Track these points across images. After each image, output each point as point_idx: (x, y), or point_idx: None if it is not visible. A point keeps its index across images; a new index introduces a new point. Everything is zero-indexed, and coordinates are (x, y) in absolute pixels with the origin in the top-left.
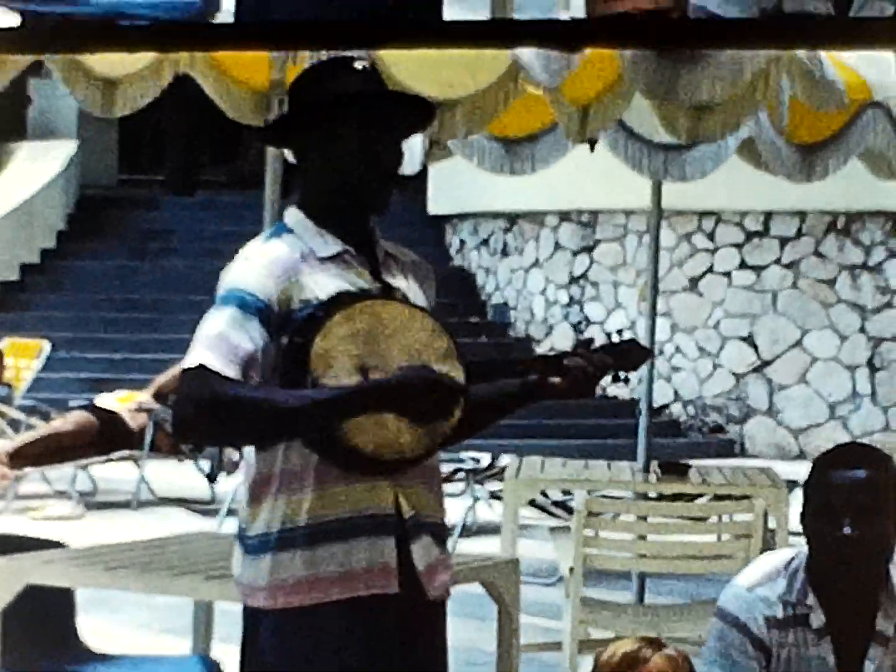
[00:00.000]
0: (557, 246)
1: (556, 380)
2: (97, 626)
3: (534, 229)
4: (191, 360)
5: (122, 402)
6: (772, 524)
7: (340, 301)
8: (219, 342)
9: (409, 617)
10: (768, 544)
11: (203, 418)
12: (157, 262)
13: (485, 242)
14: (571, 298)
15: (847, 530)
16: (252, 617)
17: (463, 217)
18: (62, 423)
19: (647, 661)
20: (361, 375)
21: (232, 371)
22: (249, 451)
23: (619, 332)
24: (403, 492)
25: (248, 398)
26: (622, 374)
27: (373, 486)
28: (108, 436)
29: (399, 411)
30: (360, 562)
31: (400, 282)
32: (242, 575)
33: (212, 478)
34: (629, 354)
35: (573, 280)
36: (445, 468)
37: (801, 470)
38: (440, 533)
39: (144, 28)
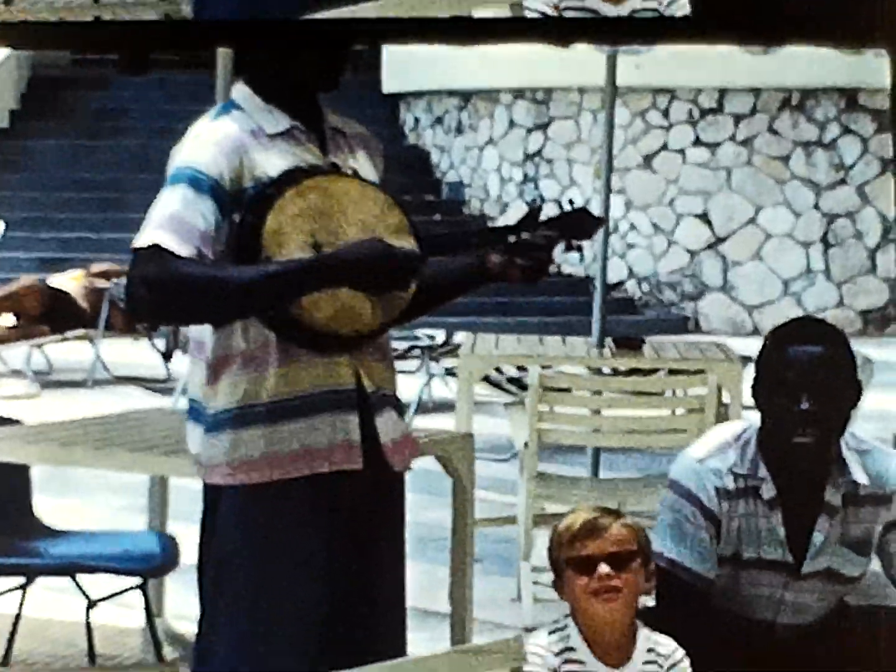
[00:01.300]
0: (512, 124)
1: (511, 263)
2: (52, 504)
3: (488, 107)
4: (143, 239)
5: (75, 282)
6: (725, 398)
7: (291, 178)
8: (171, 221)
9: (370, 492)
10: (722, 418)
11: (156, 297)
12: (109, 142)
13: (439, 121)
14: (526, 176)
15: (804, 406)
16: (212, 494)
17: (417, 95)
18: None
19: (606, 529)
20: (314, 252)
21: (185, 250)
22: (201, 330)
23: (571, 201)
24: (363, 367)
25: (202, 276)
26: (574, 244)
27: (333, 362)
28: (61, 315)
29: (353, 284)
30: (323, 438)
31: (349, 157)
32: (202, 452)
33: (167, 356)
34: (581, 223)
35: (528, 158)
36: (401, 346)
37: (755, 346)
38: (400, 407)
39: (139, 26)
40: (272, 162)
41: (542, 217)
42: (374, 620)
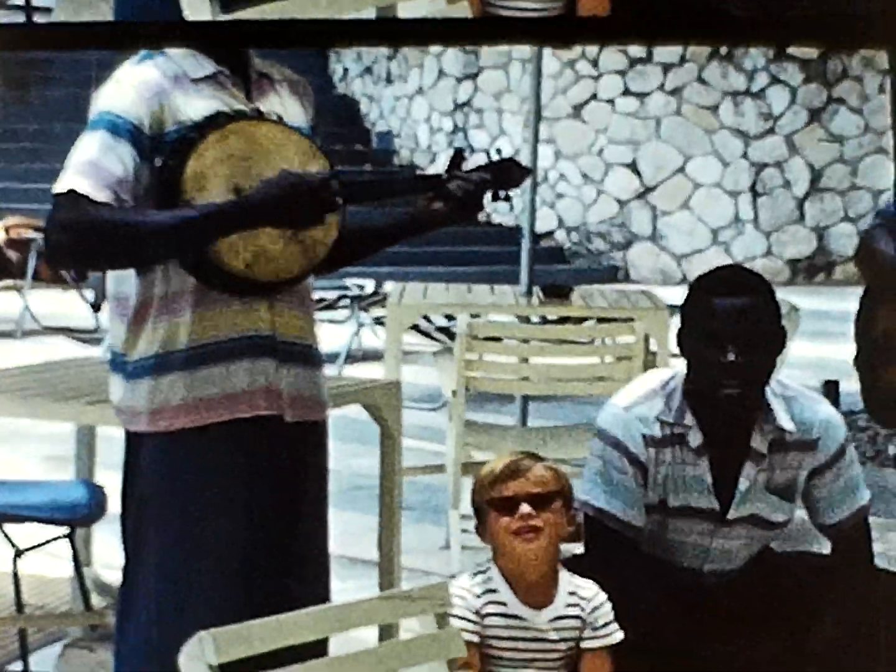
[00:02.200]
0: (441, 73)
1: (439, 205)
2: None
3: (417, 56)
4: (61, 185)
5: (0, 232)
6: (653, 347)
7: (214, 122)
8: (89, 167)
9: (292, 438)
10: (650, 367)
11: (73, 243)
12: (37, 92)
13: (368, 70)
14: (456, 126)
15: (731, 356)
16: (133, 442)
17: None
18: None
19: (528, 470)
20: (236, 196)
21: (103, 195)
22: (119, 282)
23: (498, 150)
24: (281, 314)
25: (117, 220)
26: (502, 193)
27: (251, 308)
28: None
29: (272, 221)
30: (243, 383)
31: (276, 102)
32: (123, 400)
33: (96, 307)
34: (508, 172)
35: (457, 107)
36: (330, 295)
37: (684, 295)
38: (312, 357)
39: (134, 25)
40: (195, 106)
41: (470, 166)
42: (297, 566)
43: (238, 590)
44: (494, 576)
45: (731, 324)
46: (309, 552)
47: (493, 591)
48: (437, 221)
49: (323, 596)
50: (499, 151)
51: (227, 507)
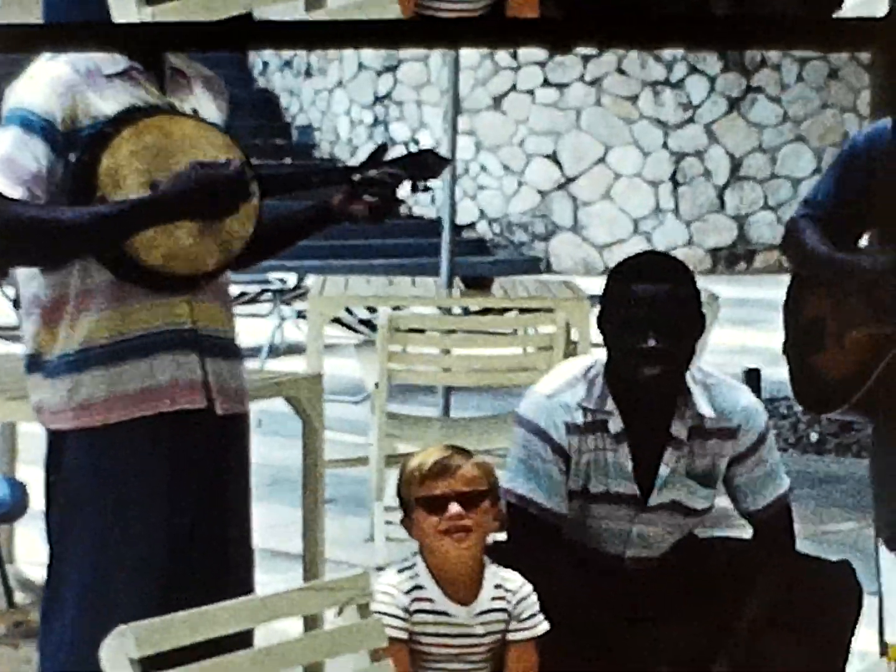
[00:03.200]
0: (361, 66)
1: (355, 201)
2: None
3: (337, 50)
4: None
5: None
6: (574, 337)
7: (128, 117)
8: (2, 163)
9: (214, 431)
10: (571, 356)
11: None
12: None
13: (288, 64)
14: (376, 118)
15: (651, 342)
16: (56, 438)
17: None
18: None
19: (457, 469)
20: (151, 192)
21: (17, 192)
22: (31, 282)
23: (416, 142)
24: (200, 308)
25: (34, 217)
26: (421, 184)
27: (169, 302)
28: None
29: (184, 214)
30: (164, 377)
31: (190, 97)
32: (43, 399)
33: (17, 303)
34: (426, 163)
35: (377, 100)
36: (252, 289)
37: (604, 282)
38: (234, 350)
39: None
40: (109, 102)
41: (389, 157)
42: (220, 560)
43: (163, 584)
44: (421, 572)
45: (650, 310)
46: (233, 545)
47: (420, 587)
48: (354, 215)
49: (247, 588)
50: (416, 142)
51: (151, 501)
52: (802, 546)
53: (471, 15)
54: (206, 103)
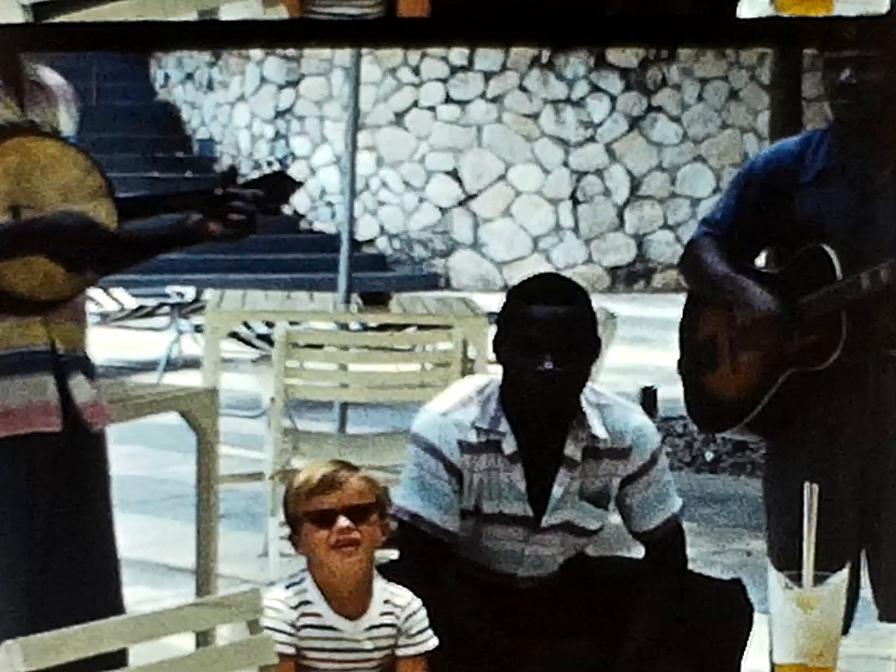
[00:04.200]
0: (263, 80)
1: (214, 221)
2: None
3: (239, 63)
4: None
5: None
6: (471, 354)
7: None
8: None
9: (71, 453)
10: (468, 373)
11: None
12: None
13: (190, 77)
14: (277, 133)
15: (548, 364)
16: None
17: (167, 51)
18: None
19: (345, 482)
20: (12, 215)
21: None
22: None
23: (269, 163)
24: (57, 328)
25: None
26: (272, 206)
27: (25, 323)
28: None
29: (49, 255)
30: (19, 399)
31: (47, 111)
32: None
33: None
34: (280, 185)
35: (279, 114)
36: (150, 303)
37: (502, 302)
38: (91, 368)
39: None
40: None
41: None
42: (86, 577)
43: (26, 606)
44: (309, 587)
45: (548, 331)
46: (97, 564)
47: (308, 602)
48: (212, 236)
49: (115, 605)
50: (270, 164)
51: (11, 523)
52: (697, 565)
53: (362, 17)
54: (61, 115)
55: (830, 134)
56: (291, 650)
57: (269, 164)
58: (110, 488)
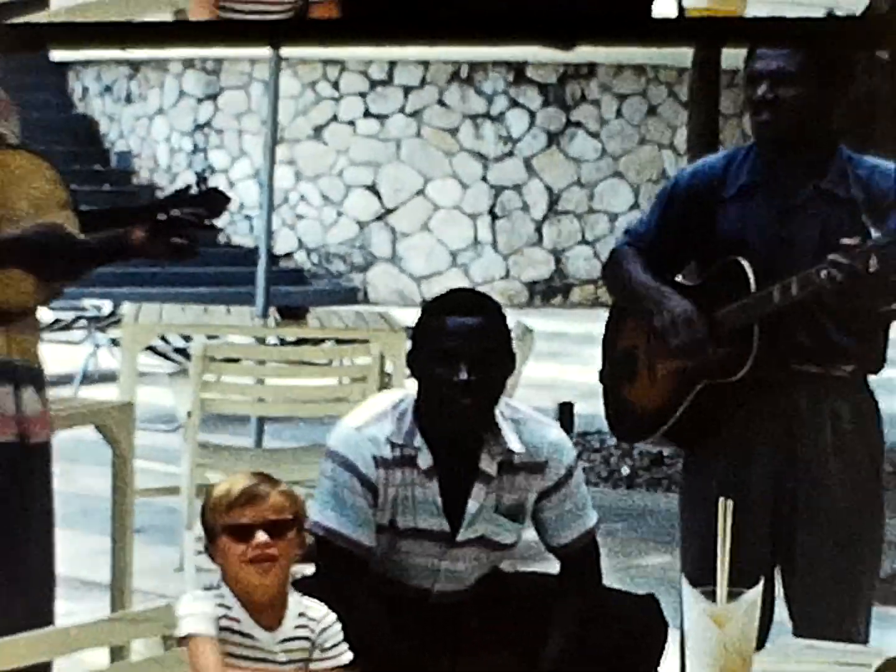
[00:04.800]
0: (182, 93)
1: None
2: None
3: (158, 77)
4: None
5: None
6: (389, 368)
7: None
8: None
9: (19, 462)
10: (385, 388)
11: None
12: None
13: (108, 89)
14: (196, 146)
15: (463, 375)
16: None
17: (86, 64)
18: None
19: (265, 497)
20: None
21: None
22: None
23: (200, 180)
24: (14, 340)
25: None
26: (207, 222)
27: None
28: None
29: (28, 267)
30: None
31: (5, 124)
32: None
33: None
34: (214, 201)
35: (198, 128)
36: (66, 316)
37: (417, 316)
38: (43, 380)
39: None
40: None
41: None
42: (21, 587)
43: None
44: (227, 594)
45: (463, 342)
46: (33, 575)
47: (228, 607)
48: (158, 253)
49: (47, 617)
50: (199, 182)
51: None
52: (614, 580)
53: (275, 17)
54: (14, 126)
55: (754, 150)
56: (213, 632)
57: (200, 181)
58: (52, 501)
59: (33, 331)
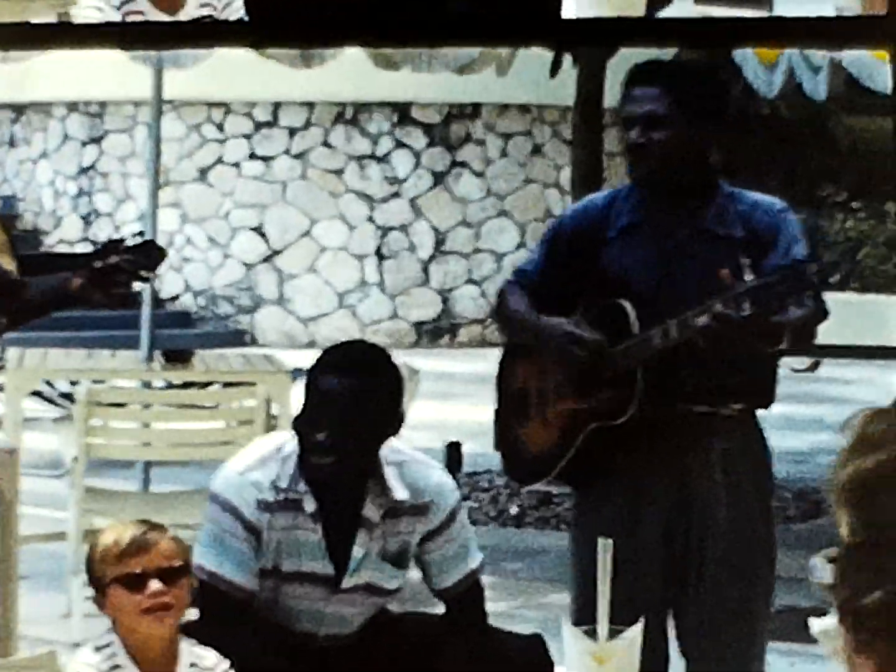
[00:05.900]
0: (66, 137)
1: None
2: None
3: (42, 120)
4: None
5: None
6: (275, 411)
7: None
8: None
9: None
10: (271, 430)
11: None
12: None
13: None
14: (81, 190)
15: (320, 437)
16: None
17: None
18: None
19: (155, 544)
20: None
21: None
22: None
23: (140, 233)
24: None
25: None
26: (144, 274)
27: None
28: None
29: None
30: None
31: None
32: None
33: None
34: (150, 254)
35: (82, 171)
36: None
37: (310, 358)
38: None
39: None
40: None
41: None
42: None
43: None
44: (118, 651)
45: (326, 404)
46: None
47: (118, 666)
48: (95, 300)
49: None
50: (139, 234)
51: None
52: (502, 620)
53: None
54: None
55: (636, 190)
56: None
57: (139, 234)
58: None
59: None
